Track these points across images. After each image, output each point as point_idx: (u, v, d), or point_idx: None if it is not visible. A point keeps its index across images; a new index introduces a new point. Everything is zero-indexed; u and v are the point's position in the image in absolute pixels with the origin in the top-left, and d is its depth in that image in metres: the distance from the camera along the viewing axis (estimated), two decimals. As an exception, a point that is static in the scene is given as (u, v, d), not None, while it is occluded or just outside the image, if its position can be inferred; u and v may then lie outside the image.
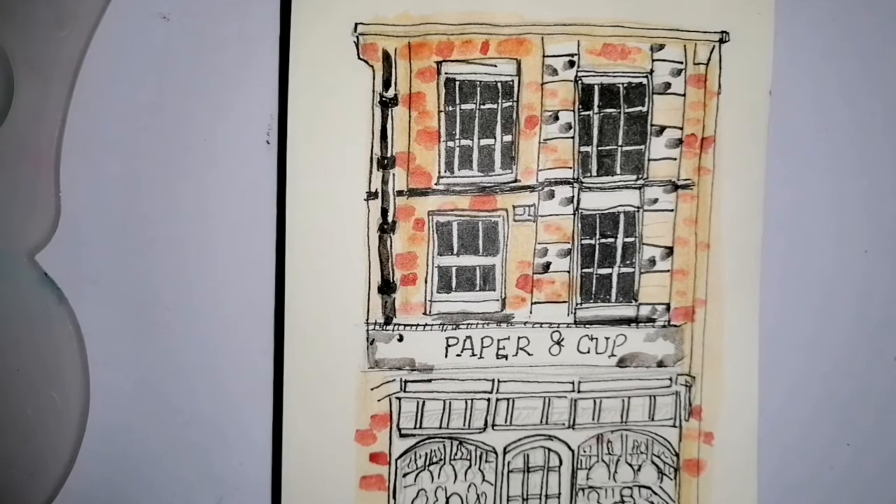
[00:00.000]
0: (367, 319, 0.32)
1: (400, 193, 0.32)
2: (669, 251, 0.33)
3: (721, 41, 0.32)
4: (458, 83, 0.32)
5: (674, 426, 0.34)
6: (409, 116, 0.31)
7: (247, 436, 0.33)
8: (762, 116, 0.33)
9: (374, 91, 0.31)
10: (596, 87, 0.32)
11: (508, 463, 0.33)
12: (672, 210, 0.33)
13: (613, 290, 0.33)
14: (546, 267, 0.33)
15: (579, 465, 0.34)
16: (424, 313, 0.32)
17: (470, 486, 0.33)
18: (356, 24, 0.31)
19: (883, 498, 0.35)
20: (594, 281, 0.33)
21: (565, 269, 0.33)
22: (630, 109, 0.32)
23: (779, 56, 0.33)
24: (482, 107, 0.32)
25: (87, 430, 0.33)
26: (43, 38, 0.31)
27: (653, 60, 0.32)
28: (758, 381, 0.33)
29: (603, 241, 0.33)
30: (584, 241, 0.33)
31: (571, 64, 0.32)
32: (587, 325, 0.33)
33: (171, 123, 0.32)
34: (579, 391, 0.33)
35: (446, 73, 0.31)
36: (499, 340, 0.33)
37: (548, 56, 0.32)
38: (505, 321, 0.33)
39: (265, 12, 0.32)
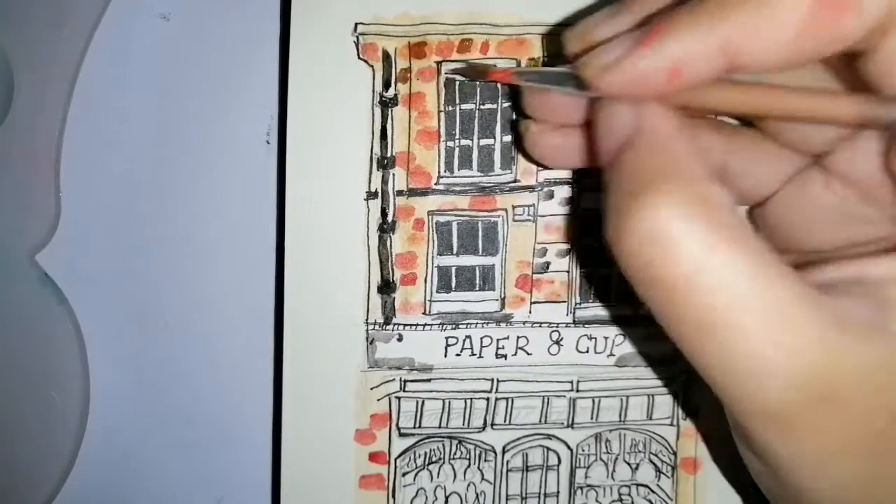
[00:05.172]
0: (367, 319, 0.32)
1: (400, 193, 0.32)
2: (668, 251, 0.33)
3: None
4: (457, 83, 0.32)
5: (671, 425, 0.34)
6: (409, 116, 0.32)
7: (246, 435, 0.33)
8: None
9: (374, 91, 0.31)
10: (595, 87, 0.32)
11: (507, 462, 0.33)
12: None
13: (612, 290, 0.33)
14: (545, 267, 0.33)
15: (578, 464, 0.34)
16: (424, 313, 0.32)
17: (469, 485, 0.34)
18: (356, 24, 0.31)
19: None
20: (593, 281, 0.33)
21: (564, 268, 0.33)
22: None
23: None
24: (482, 107, 0.32)
25: (87, 430, 0.33)
26: (43, 38, 0.31)
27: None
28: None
29: (602, 241, 0.33)
30: (583, 241, 0.33)
31: (571, 64, 0.32)
32: (586, 325, 0.33)
33: (171, 123, 0.32)
34: (578, 390, 0.33)
35: (446, 74, 0.31)
36: (498, 340, 0.33)
37: (548, 56, 0.32)
38: (504, 321, 0.33)
39: (265, 12, 0.32)
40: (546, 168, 0.32)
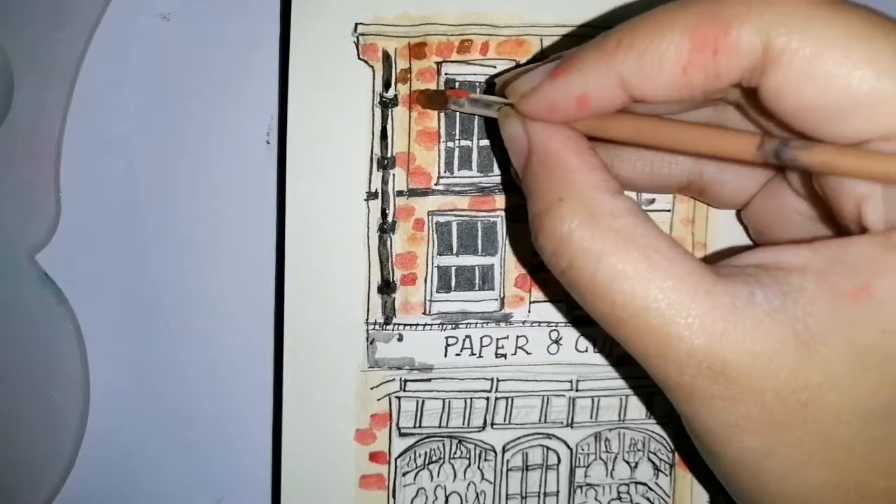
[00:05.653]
0: (367, 319, 0.32)
1: (400, 194, 0.32)
2: (667, 251, 0.33)
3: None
4: (457, 84, 0.32)
5: (670, 423, 0.34)
6: (409, 117, 0.32)
7: (247, 436, 0.33)
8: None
9: (374, 91, 0.31)
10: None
11: (507, 461, 0.34)
12: (669, 210, 0.33)
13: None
14: (544, 266, 0.33)
15: (577, 463, 0.34)
16: (424, 313, 0.32)
17: (469, 484, 0.34)
18: (356, 25, 0.31)
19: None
20: (592, 280, 0.33)
21: (564, 268, 0.33)
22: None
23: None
24: (482, 107, 0.32)
25: (87, 430, 0.33)
26: (43, 39, 0.31)
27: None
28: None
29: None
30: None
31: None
32: (585, 324, 0.33)
33: (171, 123, 0.32)
34: (577, 390, 0.33)
35: (446, 74, 0.32)
36: (497, 339, 0.33)
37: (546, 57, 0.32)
38: (504, 320, 0.33)
39: (265, 12, 0.32)
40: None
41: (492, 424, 0.33)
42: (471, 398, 0.33)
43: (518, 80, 0.25)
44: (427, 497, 0.33)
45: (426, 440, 0.33)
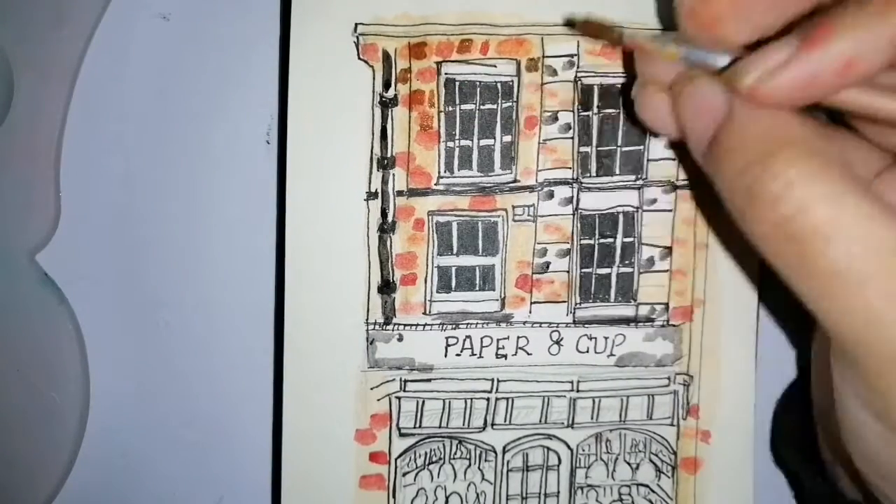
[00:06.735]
0: (367, 319, 0.32)
1: (400, 193, 0.32)
2: (668, 251, 0.33)
3: (720, 42, 0.32)
4: (457, 83, 0.32)
5: (671, 425, 0.34)
6: (409, 117, 0.32)
7: (247, 436, 0.33)
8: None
9: (374, 91, 0.31)
10: (595, 87, 0.32)
11: (508, 462, 0.34)
12: (671, 210, 0.33)
13: (612, 290, 0.33)
14: (545, 267, 0.33)
15: (578, 464, 0.34)
16: (424, 313, 0.32)
17: (469, 484, 0.34)
18: (356, 25, 0.31)
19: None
20: (593, 281, 0.33)
21: (564, 268, 0.33)
22: (629, 110, 0.32)
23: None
24: (482, 107, 0.32)
25: (87, 430, 0.33)
26: (43, 38, 0.31)
27: (652, 61, 0.32)
28: (754, 380, 0.34)
29: (602, 241, 0.33)
30: (583, 241, 0.33)
31: (571, 64, 0.32)
32: (586, 325, 0.33)
33: (171, 123, 0.33)
34: (578, 390, 0.33)
35: (446, 74, 0.31)
36: (498, 340, 0.33)
37: (547, 56, 0.32)
38: (504, 321, 0.33)
39: (265, 12, 0.32)
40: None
41: (492, 425, 0.33)
42: (471, 398, 0.33)
43: (753, 60, 0.23)
44: (427, 497, 0.33)
45: (426, 440, 0.33)
